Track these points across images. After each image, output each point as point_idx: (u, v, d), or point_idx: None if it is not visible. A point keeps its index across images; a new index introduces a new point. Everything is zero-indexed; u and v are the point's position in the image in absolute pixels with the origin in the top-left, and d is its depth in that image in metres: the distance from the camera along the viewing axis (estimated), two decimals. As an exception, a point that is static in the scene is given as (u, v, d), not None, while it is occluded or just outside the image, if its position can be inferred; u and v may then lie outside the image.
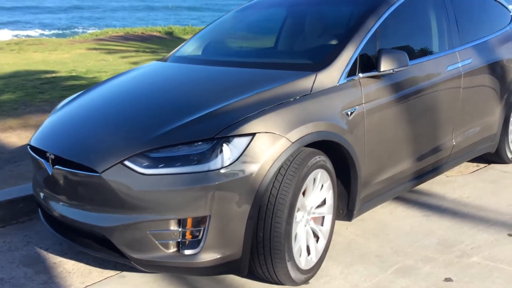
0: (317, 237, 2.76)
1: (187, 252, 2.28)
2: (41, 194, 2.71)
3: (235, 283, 2.65)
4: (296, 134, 2.41)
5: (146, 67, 3.55)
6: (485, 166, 4.42)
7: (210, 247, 2.27)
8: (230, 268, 2.36)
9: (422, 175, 3.47)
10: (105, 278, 2.73)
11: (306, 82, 2.66)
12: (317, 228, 2.74)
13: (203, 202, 2.21)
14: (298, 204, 2.46)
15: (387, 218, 3.41)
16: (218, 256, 2.29)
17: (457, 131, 3.65)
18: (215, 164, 2.23)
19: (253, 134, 2.30)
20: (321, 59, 2.84)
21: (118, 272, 2.77)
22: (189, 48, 3.72)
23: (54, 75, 8.41)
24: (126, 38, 14.77)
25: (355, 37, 2.91)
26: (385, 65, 2.83)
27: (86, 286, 2.66)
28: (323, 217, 2.79)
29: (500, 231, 3.20)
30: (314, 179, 2.61)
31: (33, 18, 35.48)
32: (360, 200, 2.93)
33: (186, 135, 2.30)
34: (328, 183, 2.72)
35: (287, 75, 2.75)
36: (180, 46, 3.78)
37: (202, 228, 2.25)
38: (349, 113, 2.71)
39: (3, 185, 3.67)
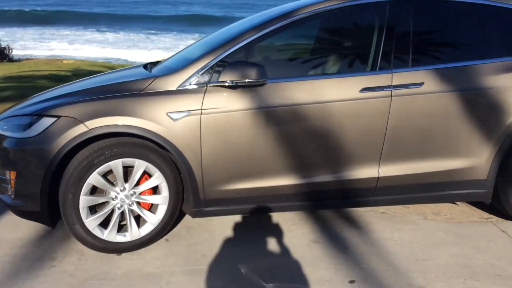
0: (145, 222, 3.13)
1: (13, 196, 3.07)
2: None
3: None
4: (95, 123, 2.87)
5: (127, 68, 4.31)
6: (497, 220, 3.58)
7: (18, 197, 3.01)
8: (36, 217, 3.05)
9: (320, 200, 3.27)
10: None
11: (143, 83, 3.02)
12: (143, 213, 3.10)
13: (14, 160, 2.97)
14: (94, 182, 2.92)
15: (263, 233, 3.35)
16: (23, 205, 3.01)
17: (388, 163, 3.21)
18: (26, 134, 2.94)
19: (59, 117, 2.91)
20: (178, 67, 3.13)
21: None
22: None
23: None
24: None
25: (217, 48, 3.07)
26: (224, 76, 2.93)
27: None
28: (158, 205, 3.13)
29: (342, 278, 2.82)
30: (132, 167, 3.00)
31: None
32: (200, 201, 3.11)
33: (29, 110, 3.07)
34: (157, 175, 3.04)
35: (141, 75, 3.18)
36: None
37: (14, 180, 3.01)
38: (175, 115, 2.95)
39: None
